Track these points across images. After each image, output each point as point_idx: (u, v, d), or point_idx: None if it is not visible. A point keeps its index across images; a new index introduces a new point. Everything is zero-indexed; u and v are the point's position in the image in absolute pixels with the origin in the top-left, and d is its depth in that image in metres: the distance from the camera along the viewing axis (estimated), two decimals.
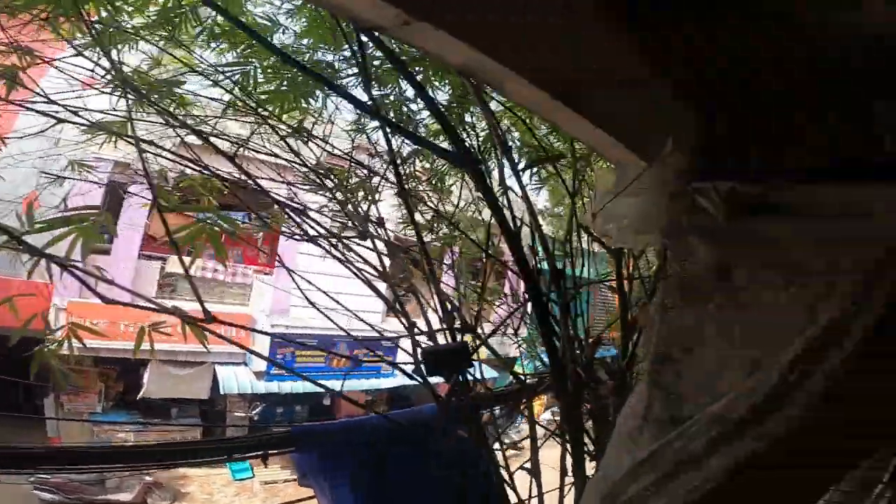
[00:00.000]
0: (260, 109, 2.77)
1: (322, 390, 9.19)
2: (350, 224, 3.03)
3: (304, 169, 3.26)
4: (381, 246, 2.73)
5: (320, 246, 2.67)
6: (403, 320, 2.19)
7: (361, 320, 2.70)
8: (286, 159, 3.31)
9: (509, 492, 2.47)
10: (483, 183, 1.41)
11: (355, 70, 2.41)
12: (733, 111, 1.29)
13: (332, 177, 3.29)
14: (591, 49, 1.23)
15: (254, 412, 10.52)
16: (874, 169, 0.86)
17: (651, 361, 0.93)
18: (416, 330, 2.12)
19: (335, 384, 10.41)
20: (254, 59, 2.38)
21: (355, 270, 2.51)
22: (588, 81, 1.47)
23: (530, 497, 2.38)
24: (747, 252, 0.82)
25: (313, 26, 2.39)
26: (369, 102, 1.80)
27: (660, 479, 0.93)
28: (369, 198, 3.03)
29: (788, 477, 1.03)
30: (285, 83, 2.39)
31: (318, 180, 3.20)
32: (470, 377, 1.87)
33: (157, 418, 10.09)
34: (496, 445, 2.54)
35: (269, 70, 2.38)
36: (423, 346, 1.71)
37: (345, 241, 3.47)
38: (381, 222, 2.74)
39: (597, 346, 1.79)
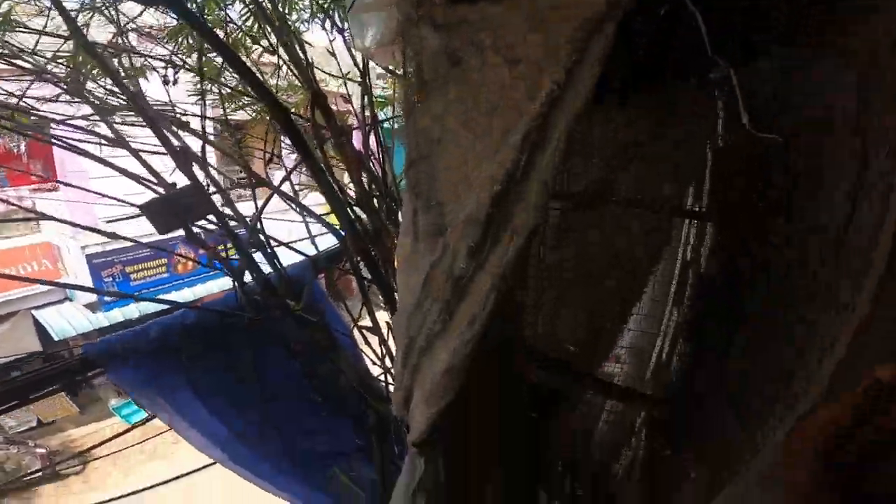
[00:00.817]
0: None
1: (177, 302, 8.40)
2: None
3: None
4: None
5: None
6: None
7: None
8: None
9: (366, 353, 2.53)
10: (209, 34, 1.11)
11: None
12: None
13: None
14: None
15: None
16: None
17: (406, 167, 0.83)
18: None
19: (191, 291, 9.59)
20: None
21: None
22: None
23: (383, 356, 2.46)
24: (472, 37, 0.72)
25: None
26: None
27: (442, 310, 0.87)
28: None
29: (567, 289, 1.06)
30: None
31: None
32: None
33: None
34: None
35: None
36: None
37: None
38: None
39: (359, 165, 1.66)
